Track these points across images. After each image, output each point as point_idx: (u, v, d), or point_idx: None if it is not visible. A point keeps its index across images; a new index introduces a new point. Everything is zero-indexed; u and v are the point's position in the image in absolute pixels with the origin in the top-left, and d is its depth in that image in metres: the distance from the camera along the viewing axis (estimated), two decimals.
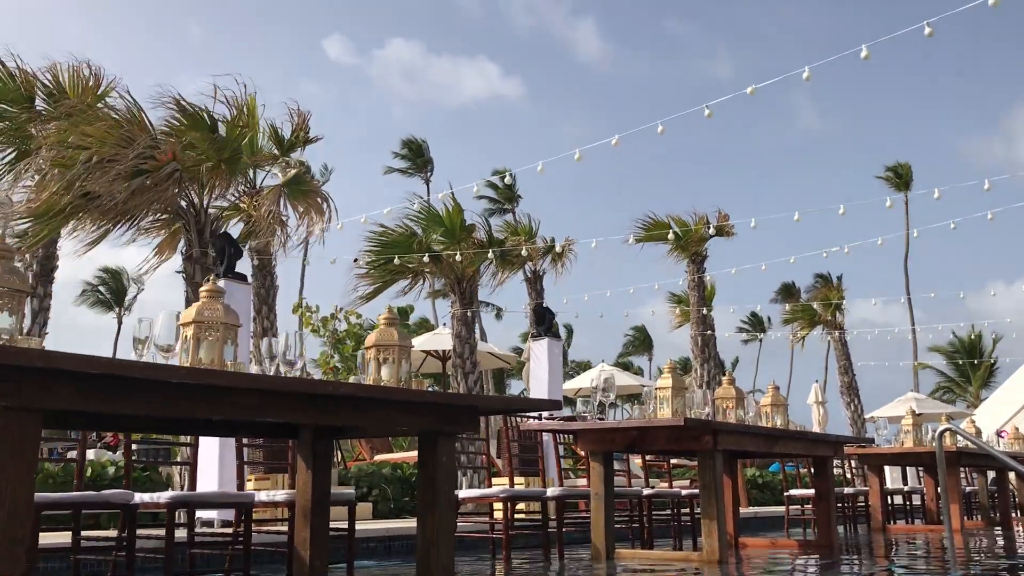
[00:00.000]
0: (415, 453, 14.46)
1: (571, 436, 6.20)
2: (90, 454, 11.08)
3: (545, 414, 7.96)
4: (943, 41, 60.14)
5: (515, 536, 6.31)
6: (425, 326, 34.54)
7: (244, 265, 12.58)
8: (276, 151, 11.59)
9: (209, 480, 7.66)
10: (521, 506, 8.16)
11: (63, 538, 4.14)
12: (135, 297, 49.89)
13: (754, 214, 12.81)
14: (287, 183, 11.03)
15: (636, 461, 10.89)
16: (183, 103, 9.99)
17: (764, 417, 6.55)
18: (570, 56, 64.28)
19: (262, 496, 4.35)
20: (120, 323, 49.12)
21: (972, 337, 35.58)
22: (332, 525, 3.96)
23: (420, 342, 17.77)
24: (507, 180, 10.21)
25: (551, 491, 5.82)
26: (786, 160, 64.75)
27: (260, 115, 10.79)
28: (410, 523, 7.16)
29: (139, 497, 3.88)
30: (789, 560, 5.86)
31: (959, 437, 9.27)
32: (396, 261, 10.99)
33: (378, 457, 11.81)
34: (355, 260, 11.24)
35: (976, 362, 35.60)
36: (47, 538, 4.15)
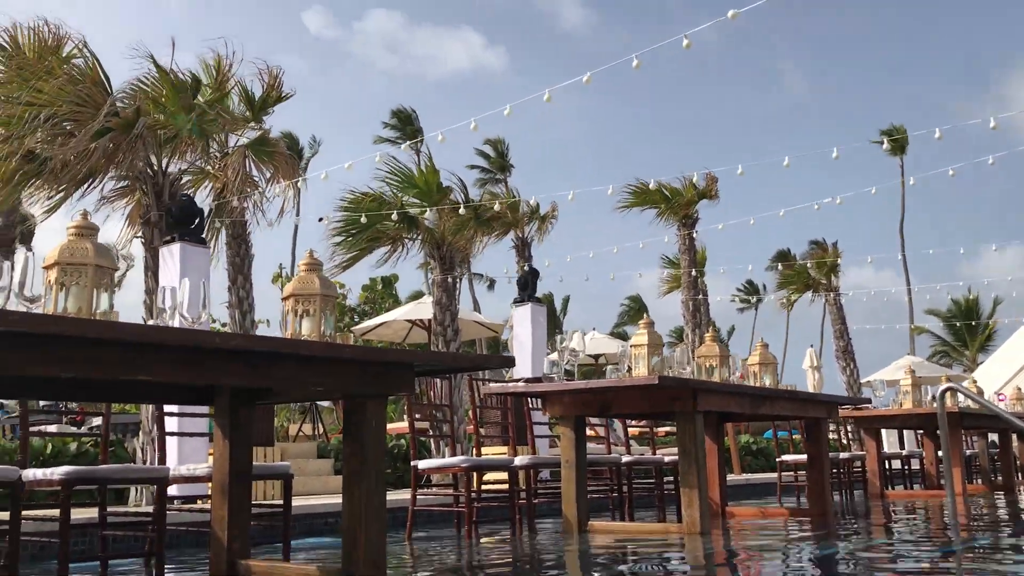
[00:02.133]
0: (403, 424, 14.01)
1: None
2: (53, 429, 10.63)
3: (518, 376, 7.50)
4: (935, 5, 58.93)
5: (485, 508, 5.85)
6: (418, 298, 33.99)
7: (221, 235, 12.06)
8: (248, 113, 11.12)
9: (170, 455, 7.20)
10: (501, 476, 7.70)
11: None
12: (124, 274, 49.24)
13: (744, 178, 12.17)
14: (252, 145, 10.55)
15: (631, 429, 10.49)
16: (157, 63, 9.50)
17: (752, 377, 6.09)
18: (552, 25, 62.74)
19: (181, 470, 3.87)
20: (111, 301, 48.51)
21: (969, 300, 35.09)
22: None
23: (404, 311, 17.25)
24: (473, 128, 9.49)
25: (519, 460, 5.34)
26: (776, 128, 63.66)
27: (231, 73, 10.32)
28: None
29: (31, 473, 3.39)
30: (778, 531, 5.40)
31: (960, 397, 8.82)
32: (363, 220, 10.42)
33: None
34: (320, 219, 10.69)
35: (974, 323, 35.16)
36: None
